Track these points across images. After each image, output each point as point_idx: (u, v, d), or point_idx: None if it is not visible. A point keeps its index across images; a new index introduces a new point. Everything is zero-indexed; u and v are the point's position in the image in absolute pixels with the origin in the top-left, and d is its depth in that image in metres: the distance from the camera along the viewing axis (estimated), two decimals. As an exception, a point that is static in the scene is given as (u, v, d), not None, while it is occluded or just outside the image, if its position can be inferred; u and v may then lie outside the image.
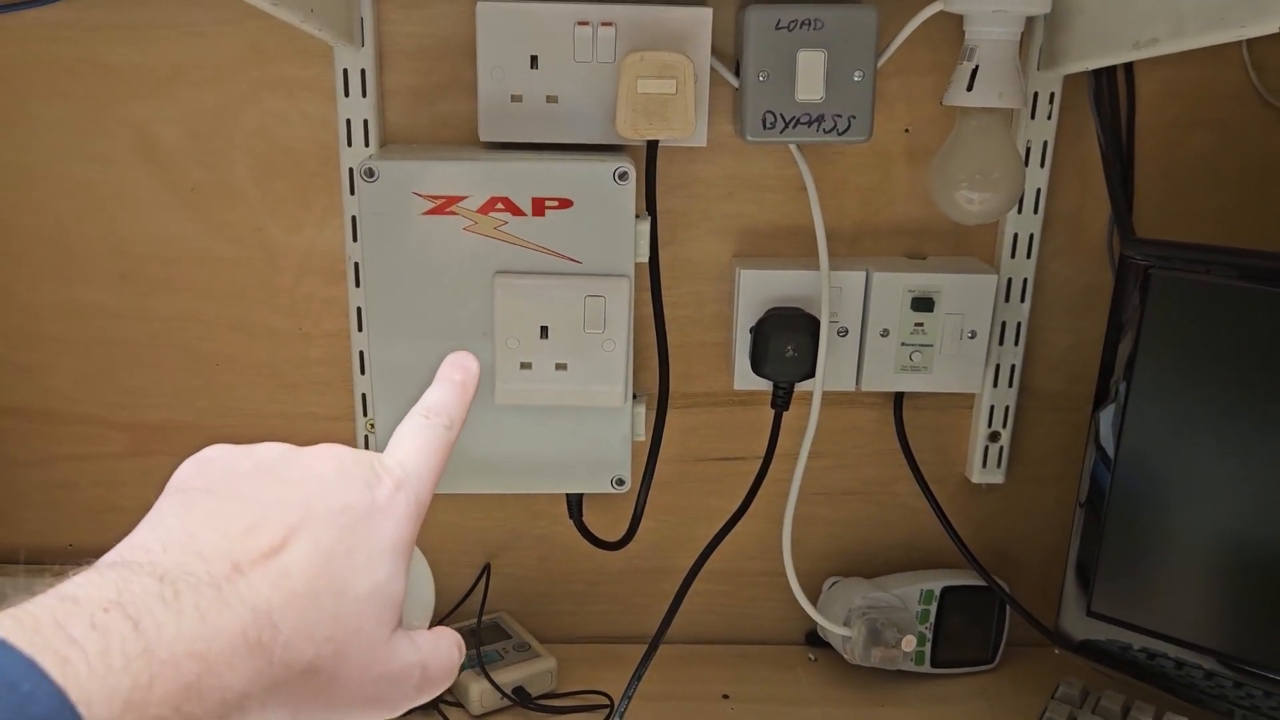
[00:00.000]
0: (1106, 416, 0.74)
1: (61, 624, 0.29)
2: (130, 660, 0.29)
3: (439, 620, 0.70)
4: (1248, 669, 0.72)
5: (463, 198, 0.71)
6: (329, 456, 0.41)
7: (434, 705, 0.80)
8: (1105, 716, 0.78)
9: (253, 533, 0.36)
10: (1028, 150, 0.79)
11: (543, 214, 0.71)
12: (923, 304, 0.79)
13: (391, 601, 0.38)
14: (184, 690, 0.30)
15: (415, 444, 0.43)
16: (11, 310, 0.81)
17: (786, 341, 0.78)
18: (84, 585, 0.31)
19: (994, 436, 0.86)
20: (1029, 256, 0.82)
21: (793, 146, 0.77)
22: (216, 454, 0.40)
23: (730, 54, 0.76)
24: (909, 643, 0.82)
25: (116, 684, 0.29)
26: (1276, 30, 0.53)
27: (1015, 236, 0.81)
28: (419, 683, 0.40)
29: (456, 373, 0.47)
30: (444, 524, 0.87)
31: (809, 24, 0.71)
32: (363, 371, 0.82)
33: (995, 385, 0.84)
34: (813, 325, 0.78)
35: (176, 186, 0.79)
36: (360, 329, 0.81)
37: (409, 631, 0.40)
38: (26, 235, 0.79)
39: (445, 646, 0.42)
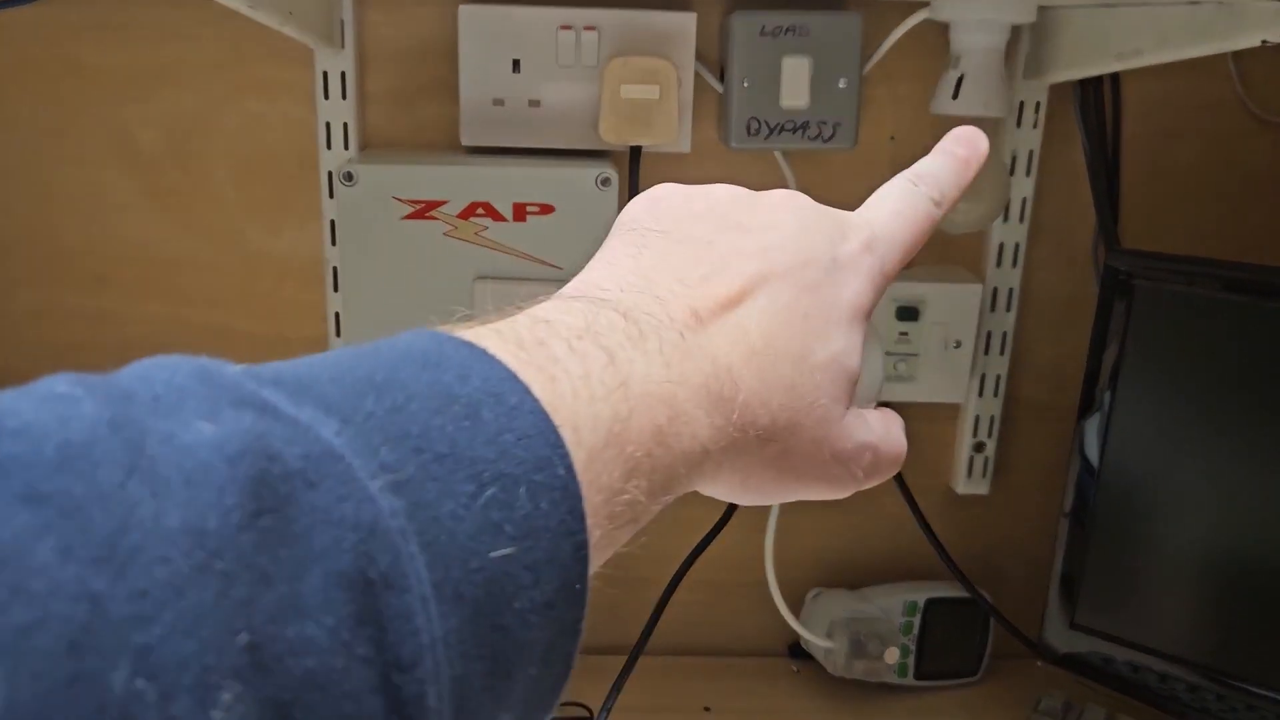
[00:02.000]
0: (1091, 427, 0.73)
1: (543, 342, 0.27)
2: (610, 391, 0.27)
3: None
4: (1231, 682, 0.71)
5: (443, 202, 0.70)
6: (789, 204, 0.36)
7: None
8: (1088, 730, 0.77)
9: (709, 281, 0.32)
10: (1013, 159, 0.79)
11: (524, 219, 0.71)
12: (908, 313, 0.79)
13: (847, 374, 0.34)
14: (656, 432, 0.28)
15: (893, 207, 0.37)
16: (-14, 313, 0.80)
17: (770, 350, 0.78)
18: (553, 311, 0.29)
19: (979, 447, 0.85)
20: (1014, 266, 0.81)
21: (777, 153, 0.77)
22: (667, 192, 0.36)
23: (715, 60, 0.75)
24: (892, 654, 0.82)
25: (600, 412, 0.27)
26: (1257, 44, 0.53)
27: (1001, 246, 0.81)
28: (869, 465, 0.36)
29: (961, 148, 0.40)
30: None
31: (794, 30, 0.71)
32: (342, 377, 0.81)
33: (980, 395, 0.84)
34: (796, 334, 0.78)
35: (155, 189, 0.78)
36: (338, 334, 0.80)
37: (861, 410, 0.36)
38: (3, 238, 0.79)
39: (895, 430, 0.37)
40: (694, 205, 0.35)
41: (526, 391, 0.25)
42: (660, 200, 0.36)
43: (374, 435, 0.23)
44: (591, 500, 0.26)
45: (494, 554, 0.23)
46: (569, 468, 0.25)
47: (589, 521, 0.26)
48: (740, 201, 0.36)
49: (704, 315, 0.31)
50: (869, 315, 0.36)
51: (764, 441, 0.32)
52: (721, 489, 0.33)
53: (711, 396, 0.30)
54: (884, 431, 0.36)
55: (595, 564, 0.27)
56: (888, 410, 0.38)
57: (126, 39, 0.75)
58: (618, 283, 0.32)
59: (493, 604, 0.23)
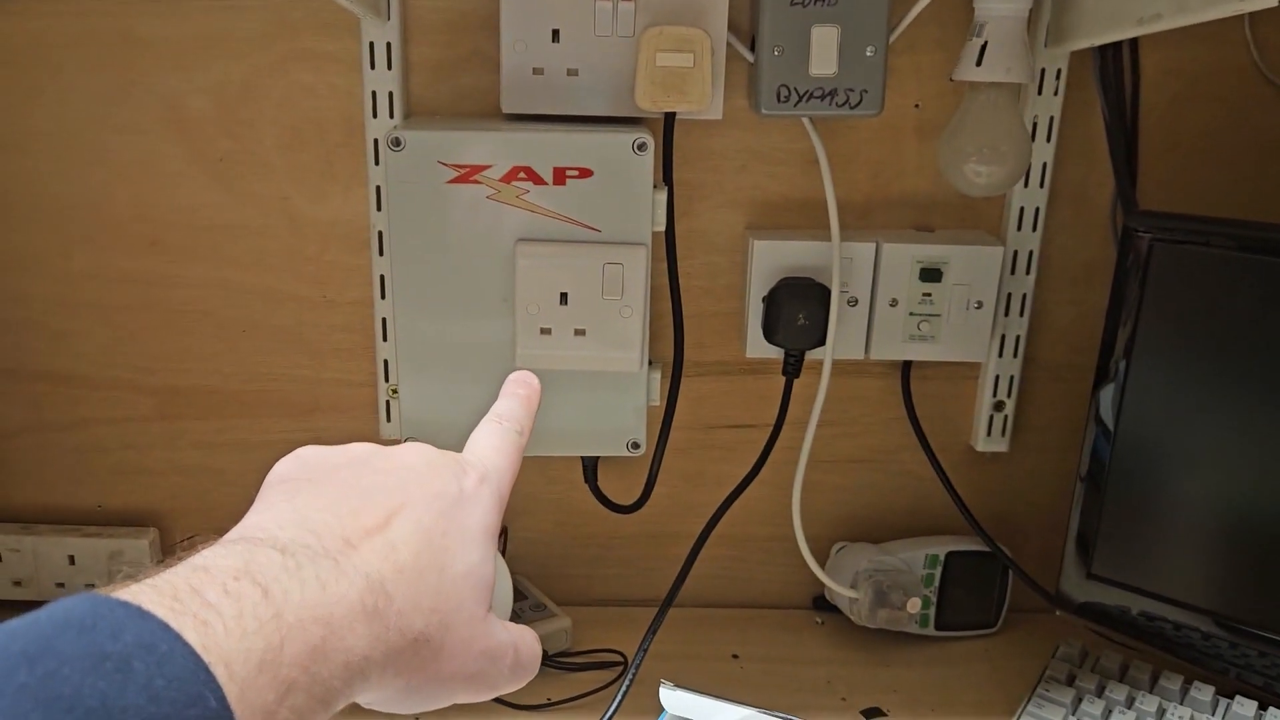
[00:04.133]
0: (1108, 388, 0.76)
1: (198, 590, 0.31)
2: (262, 624, 0.31)
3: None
4: (1243, 629, 0.74)
5: (486, 167, 0.73)
6: (416, 451, 0.43)
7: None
8: (1104, 675, 0.80)
9: (357, 513, 0.38)
10: (1034, 125, 0.81)
11: (563, 183, 0.73)
12: (931, 275, 0.81)
13: (485, 583, 0.41)
14: (311, 652, 0.32)
15: (492, 444, 0.46)
16: (44, 276, 0.83)
17: (798, 310, 0.80)
18: (212, 557, 0.33)
19: (998, 406, 0.88)
20: (1034, 229, 0.84)
21: (806, 120, 0.79)
22: (310, 452, 0.43)
23: (746, 29, 0.78)
24: (914, 605, 0.85)
25: (252, 645, 0.30)
26: (1273, 4, 0.55)
27: (1021, 210, 0.83)
28: (512, 664, 0.42)
29: (520, 388, 0.50)
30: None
31: (823, 0, 0.73)
32: (385, 339, 0.84)
33: (1000, 355, 0.86)
34: (824, 295, 0.80)
35: (205, 156, 0.81)
36: (383, 297, 0.83)
37: (499, 620, 0.42)
38: (60, 203, 0.82)
39: (530, 638, 0.44)
40: (336, 458, 0.42)
41: (177, 638, 0.29)
42: (305, 457, 0.43)
43: (25, 702, 0.26)
44: None
45: None
46: (221, 698, 0.29)
47: None
48: (375, 452, 0.43)
49: (355, 540, 0.37)
50: (495, 534, 0.43)
51: (421, 643, 0.37)
52: (389, 695, 0.38)
53: (367, 610, 0.35)
54: (521, 635, 0.43)
55: None
56: (523, 626, 0.44)
57: (178, 10, 0.77)
58: (276, 523, 0.37)
59: None
